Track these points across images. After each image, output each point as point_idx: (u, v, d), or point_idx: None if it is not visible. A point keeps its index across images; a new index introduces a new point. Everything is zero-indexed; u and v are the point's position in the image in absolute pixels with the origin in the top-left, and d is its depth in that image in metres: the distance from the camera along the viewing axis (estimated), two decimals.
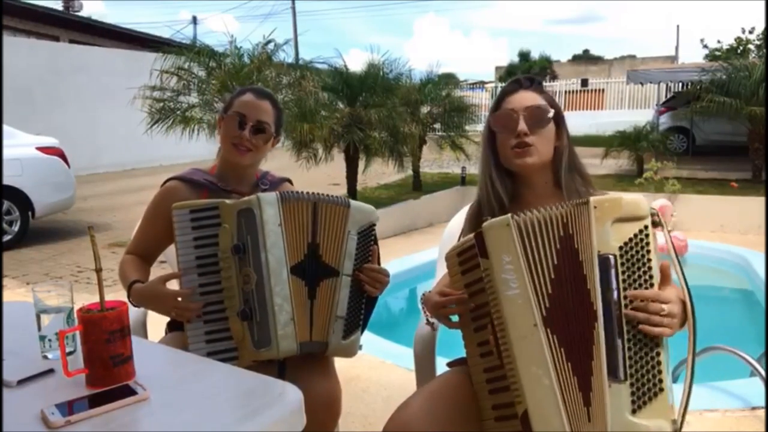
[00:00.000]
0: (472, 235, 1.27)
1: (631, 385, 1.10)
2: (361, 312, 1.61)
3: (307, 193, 1.55)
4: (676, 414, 1.14)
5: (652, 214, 1.18)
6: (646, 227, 1.15)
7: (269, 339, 1.45)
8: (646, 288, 1.14)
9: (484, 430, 1.29)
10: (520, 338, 1.16)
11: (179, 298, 1.49)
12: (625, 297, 1.13)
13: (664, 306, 1.12)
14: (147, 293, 1.54)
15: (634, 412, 1.09)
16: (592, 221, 1.16)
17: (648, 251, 1.14)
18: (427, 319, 1.55)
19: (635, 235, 1.15)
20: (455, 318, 1.38)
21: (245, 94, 1.70)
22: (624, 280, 1.14)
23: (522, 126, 1.40)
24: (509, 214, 1.21)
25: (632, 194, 1.20)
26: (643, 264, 1.14)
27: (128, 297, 1.56)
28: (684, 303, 1.18)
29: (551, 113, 1.44)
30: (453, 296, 1.33)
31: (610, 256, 1.14)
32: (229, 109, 1.68)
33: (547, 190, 1.46)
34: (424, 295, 1.50)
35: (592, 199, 1.18)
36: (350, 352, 1.60)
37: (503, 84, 1.50)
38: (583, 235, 1.16)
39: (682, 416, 1.15)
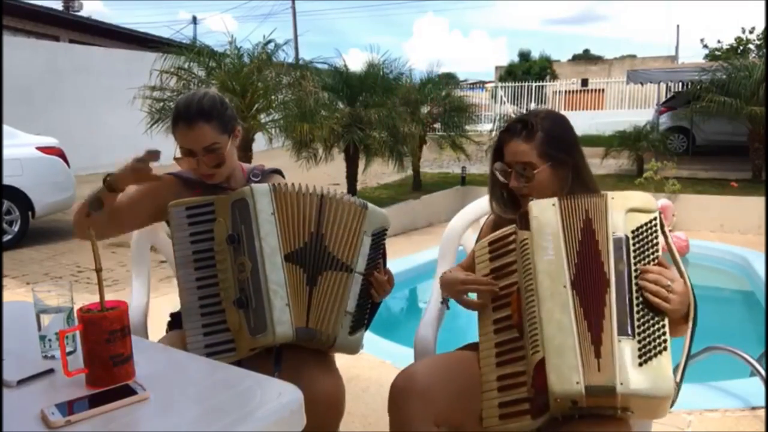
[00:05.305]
0: (507, 228, 1.46)
1: (639, 341, 1.25)
2: (367, 311, 1.64)
3: (315, 187, 1.60)
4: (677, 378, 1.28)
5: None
6: (655, 218, 1.35)
7: (265, 325, 1.46)
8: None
9: (482, 401, 1.39)
10: (550, 295, 1.31)
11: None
12: (636, 270, 1.31)
13: (669, 282, 1.28)
14: (119, 170, 1.57)
15: (640, 365, 1.23)
16: (609, 208, 1.36)
17: (656, 237, 1.34)
18: (443, 298, 1.66)
19: (646, 223, 1.35)
20: (473, 295, 1.51)
21: (178, 125, 1.67)
22: (635, 257, 1.33)
23: (513, 183, 1.52)
24: (556, 197, 1.40)
25: (643, 192, 1.40)
26: (652, 246, 1.33)
27: (104, 185, 1.59)
28: (687, 294, 1.31)
29: (539, 168, 1.48)
30: (481, 283, 1.47)
31: (623, 237, 1.34)
32: (177, 146, 1.70)
33: None
34: (443, 275, 1.63)
35: (608, 192, 1.39)
36: (354, 348, 1.61)
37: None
38: (600, 220, 1.37)
39: (681, 377, 1.30)
